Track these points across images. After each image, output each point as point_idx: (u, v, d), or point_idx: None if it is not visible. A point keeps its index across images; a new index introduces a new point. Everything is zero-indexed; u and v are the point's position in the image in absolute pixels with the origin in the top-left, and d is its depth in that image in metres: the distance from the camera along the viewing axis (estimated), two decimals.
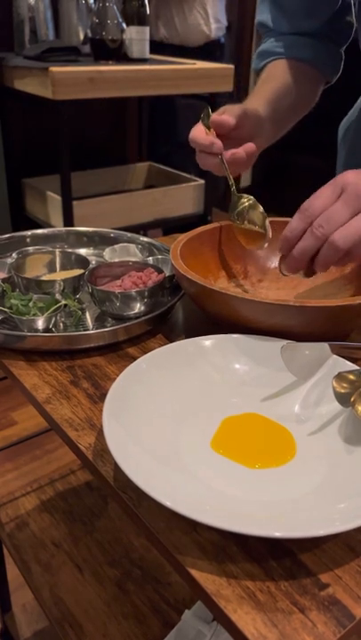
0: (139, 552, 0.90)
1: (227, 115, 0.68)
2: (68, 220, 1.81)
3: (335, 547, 0.40)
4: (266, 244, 0.70)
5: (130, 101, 2.47)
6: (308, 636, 0.34)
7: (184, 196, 2.11)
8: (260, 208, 0.70)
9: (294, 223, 0.57)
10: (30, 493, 1.00)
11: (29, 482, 1.11)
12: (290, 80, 0.80)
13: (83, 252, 0.83)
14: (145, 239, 0.84)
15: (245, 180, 3.51)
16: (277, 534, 0.37)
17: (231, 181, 0.71)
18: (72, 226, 1.82)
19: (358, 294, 0.56)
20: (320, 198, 0.56)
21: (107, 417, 0.45)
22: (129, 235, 0.85)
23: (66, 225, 1.82)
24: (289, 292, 0.72)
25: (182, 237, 0.69)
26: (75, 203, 1.81)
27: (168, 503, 0.38)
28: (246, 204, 0.71)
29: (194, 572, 0.38)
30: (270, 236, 0.69)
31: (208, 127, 0.70)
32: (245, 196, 0.71)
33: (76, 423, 0.51)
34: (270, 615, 0.35)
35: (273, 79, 0.80)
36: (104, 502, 0.99)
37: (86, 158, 2.20)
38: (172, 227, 2.14)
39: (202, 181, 2.12)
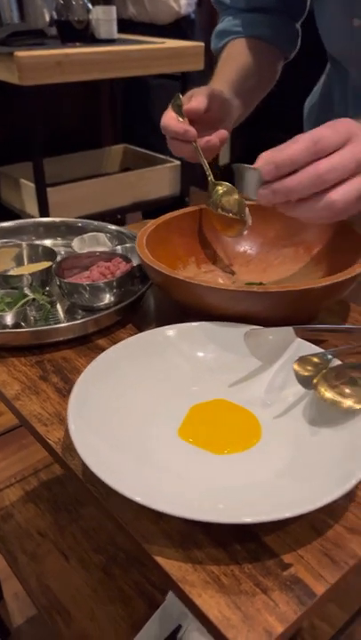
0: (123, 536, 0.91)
1: (195, 99, 0.67)
2: (43, 207, 1.79)
3: (299, 528, 0.41)
4: (245, 232, 0.69)
5: (102, 83, 2.43)
6: (270, 615, 0.35)
7: (161, 178, 2.10)
8: (236, 195, 0.68)
9: (297, 152, 0.47)
10: (14, 485, 1.01)
11: (19, 470, 1.13)
12: (250, 59, 0.80)
13: (51, 243, 0.82)
14: (113, 227, 0.83)
15: (224, 158, 3.48)
16: (247, 520, 0.37)
17: (207, 168, 0.70)
18: (48, 214, 1.80)
19: (328, 275, 0.56)
20: (332, 137, 0.47)
21: (72, 414, 0.45)
22: (96, 223, 0.84)
23: (41, 213, 1.80)
24: (258, 276, 0.73)
25: (149, 225, 0.69)
26: (49, 189, 1.79)
27: (138, 498, 0.38)
28: (221, 191, 0.70)
29: (160, 560, 0.38)
30: (250, 223, 0.67)
31: (179, 112, 0.68)
32: (223, 183, 0.70)
33: (45, 418, 0.51)
34: (234, 597, 0.36)
35: (233, 59, 0.80)
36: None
37: (60, 143, 2.16)
38: (151, 210, 2.13)
39: (178, 162, 2.11)
